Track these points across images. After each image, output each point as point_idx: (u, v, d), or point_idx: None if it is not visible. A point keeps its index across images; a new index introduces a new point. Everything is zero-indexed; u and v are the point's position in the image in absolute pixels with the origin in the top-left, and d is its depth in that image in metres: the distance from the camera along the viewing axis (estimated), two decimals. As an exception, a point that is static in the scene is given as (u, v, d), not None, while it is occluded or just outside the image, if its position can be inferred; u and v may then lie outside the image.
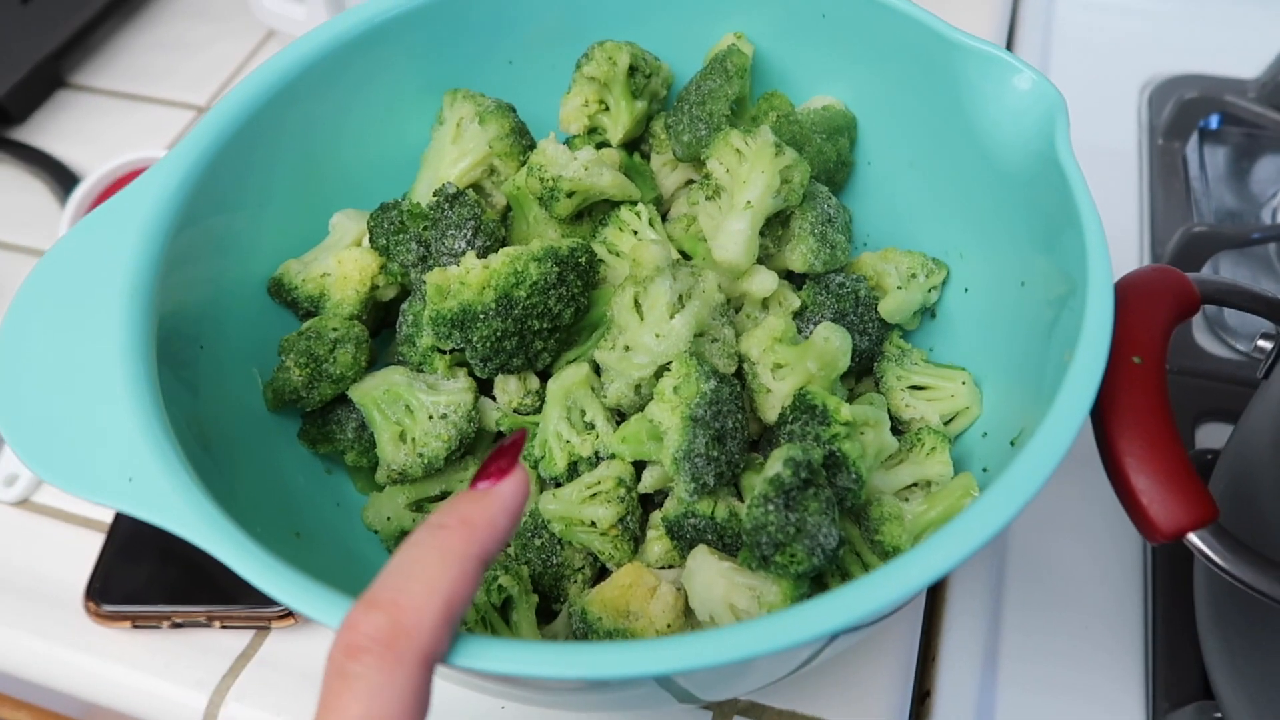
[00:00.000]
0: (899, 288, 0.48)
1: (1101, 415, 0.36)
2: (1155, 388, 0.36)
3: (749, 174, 0.46)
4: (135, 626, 0.51)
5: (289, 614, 0.50)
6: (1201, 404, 0.60)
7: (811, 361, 0.43)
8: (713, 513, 0.41)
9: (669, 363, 0.42)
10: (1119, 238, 0.71)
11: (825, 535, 0.37)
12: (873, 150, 0.54)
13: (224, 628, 0.51)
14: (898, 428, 0.48)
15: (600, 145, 0.54)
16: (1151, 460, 0.34)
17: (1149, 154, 0.76)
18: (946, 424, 0.47)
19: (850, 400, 0.47)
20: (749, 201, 0.46)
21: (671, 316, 0.42)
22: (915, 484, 0.44)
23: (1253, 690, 0.41)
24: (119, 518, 0.54)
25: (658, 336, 0.42)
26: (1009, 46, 0.84)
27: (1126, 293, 0.39)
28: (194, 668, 0.50)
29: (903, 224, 0.53)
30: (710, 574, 0.40)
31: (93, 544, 0.55)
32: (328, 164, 0.52)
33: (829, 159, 0.52)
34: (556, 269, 0.44)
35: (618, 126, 0.53)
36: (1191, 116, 0.76)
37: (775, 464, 0.38)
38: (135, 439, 0.35)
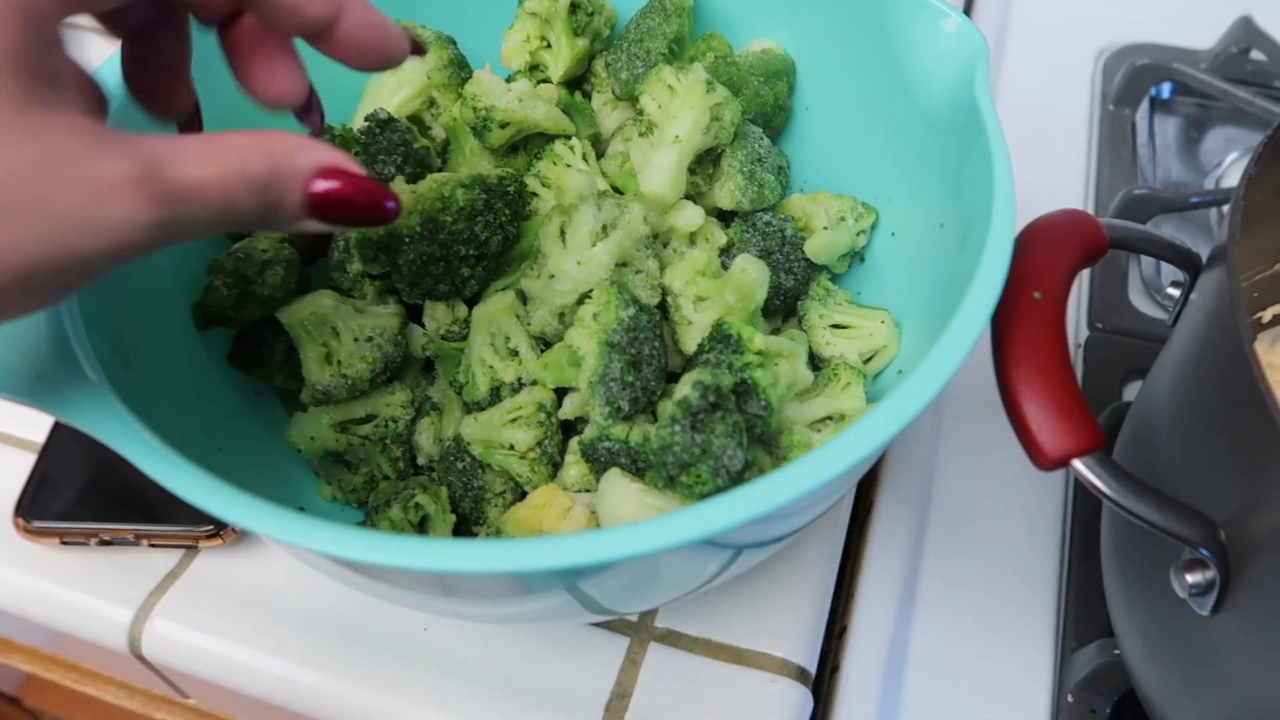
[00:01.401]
0: (825, 229, 0.49)
1: (999, 346, 0.36)
2: (1052, 322, 0.37)
3: (679, 110, 0.47)
4: (64, 543, 0.51)
5: (217, 534, 0.51)
6: (1131, 362, 0.62)
7: (730, 293, 0.44)
8: (627, 437, 0.42)
9: (591, 290, 0.43)
10: (1065, 200, 0.72)
11: (730, 457, 0.38)
12: (811, 96, 0.55)
13: (152, 546, 0.51)
14: (818, 364, 0.49)
15: (542, 82, 0.54)
16: (1042, 389, 0.35)
17: (1100, 120, 0.77)
18: (866, 362, 0.48)
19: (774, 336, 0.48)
20: (677, 136, 0.46)
21: (594, 245, 0.43)
22: (830, 417, 0.45)
23: (1143, 622, 0.42)
24: (51, 437, 0.54)
25: (579, 264, 0.43)
26: (967, 12, 0.84)
27: (1036, 232, 0.40)
28: (121, 584, 0.51)
29: (838, 169, 0.54)
30: (620, 494, 0.41)
31: (24, 463, 0.55)
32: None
33: (766, 102, 0.52)
34: (484, 196, 0.44)
35: (559, 63, 0.53)
36: (1142, 84, 0.77)
37: (684, 387, 0.39)
38: (44, 339, 0.35)
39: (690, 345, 0.45)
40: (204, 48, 0.39)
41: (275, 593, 0.50)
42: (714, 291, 0.44)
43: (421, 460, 0.48)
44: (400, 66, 0.52)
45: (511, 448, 0.44)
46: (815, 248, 0.49)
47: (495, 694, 0.47)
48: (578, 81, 0.56)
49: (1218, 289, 0.35)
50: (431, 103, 0.53)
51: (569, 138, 0.50)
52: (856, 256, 0.53)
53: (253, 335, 0.48)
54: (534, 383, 0.45)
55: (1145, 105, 0.77)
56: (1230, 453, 0.34)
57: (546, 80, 0.54)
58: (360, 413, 0.47)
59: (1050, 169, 0.74)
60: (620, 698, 0.47)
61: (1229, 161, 0.75)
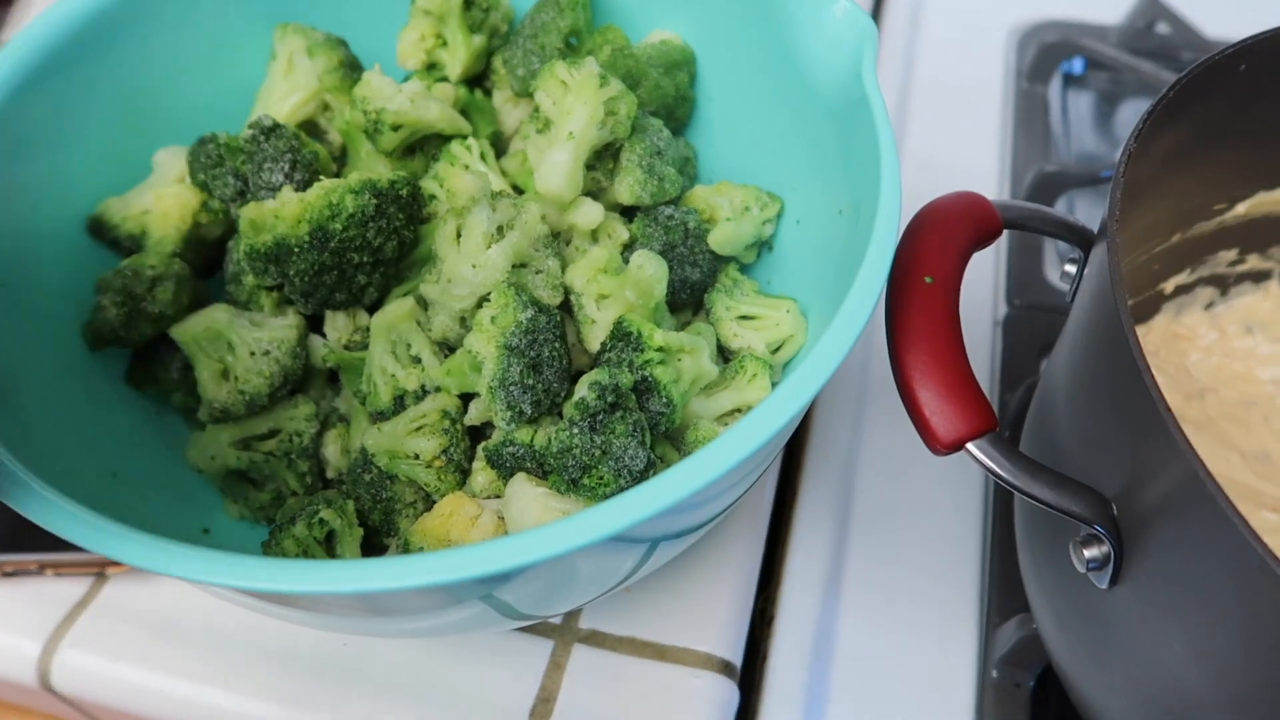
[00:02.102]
0: (729, 220, 0.49)
1: (892, 332, 0.37)
2: (944, 306, 0.37)
3: (573, 105, 0.46)
4: None
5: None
6: (1048, 337, 0.62)
7: (630, 290, 0.43)
8: (531, 440, 0.42)
9: (489, 294, 0.42)
10: (979, 178, 0.73)
11: (632, 457, 0.38)
12: (713, 86, 0.54)
13: (58, 575, 0.50)
14: (727, 356, 0.49)
15: (440, 81, 0.53)
16: (934, 374, 0.35)
17: (1013, 97, 0.78)
18: (775, 352, 0.48)
19: (683, 330, 0.48)
20: (571, 133, 0.46)
21: (489, 247, 0.42)
22: (738, 409, 0.45)
23: (1052, 597, 0.43)
24: None
25: (474, 267, 0.42)
26: (880, -11, 0.85)
27: (927, 217, 0.40)
28: (27, 615, 0.49)
29: (744, 158, 0.54)
30: (526, 500, 0.40)
31: None
32: (153, 100, 0.51)
33: (667, 93, 0.52)
34: (375, 201, 0.43)
35: (455, 61, 0.52)
36: (1053, 60, 0.78)
37: (582, 388, 0.39)
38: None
39: (595, 344, 0.44)
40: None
41: (189, 615, 0.49)
42: (615, 289, 0.44)
43: (330, 473, 0.48)
44: (292, 69, 0.51)
45: (417, 457, 0.43)
46: (719, 239, 0.48)
47: (419, 706, 0.46)
48: (479, 79, 0.55)
49: (1101, 265, 0.35)
50: (325, 106, 0.51)
51: (465, 137, 0.49)
52: (765, 246, 0.52)
53: (148, 353, 0.47)
54: (438, 389, 0.44)
55: (1058, 81, 0.78)
56: (1116, 428, 0.34)
57: (444, 79, 0.53)
58: (262, 428, 0.46)
59: (965, 148, 0.75)
60: (545, 702, 0.47)
61: None
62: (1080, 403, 0.38)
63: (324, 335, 0.47)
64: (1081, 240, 0.43)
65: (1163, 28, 0.79)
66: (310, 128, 0.52)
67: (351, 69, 0.51)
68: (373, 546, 0.45)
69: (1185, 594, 0.32)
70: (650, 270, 0.43)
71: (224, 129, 0.51)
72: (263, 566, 0.30)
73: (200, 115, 0.52)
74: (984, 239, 0.41)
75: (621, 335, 0.42)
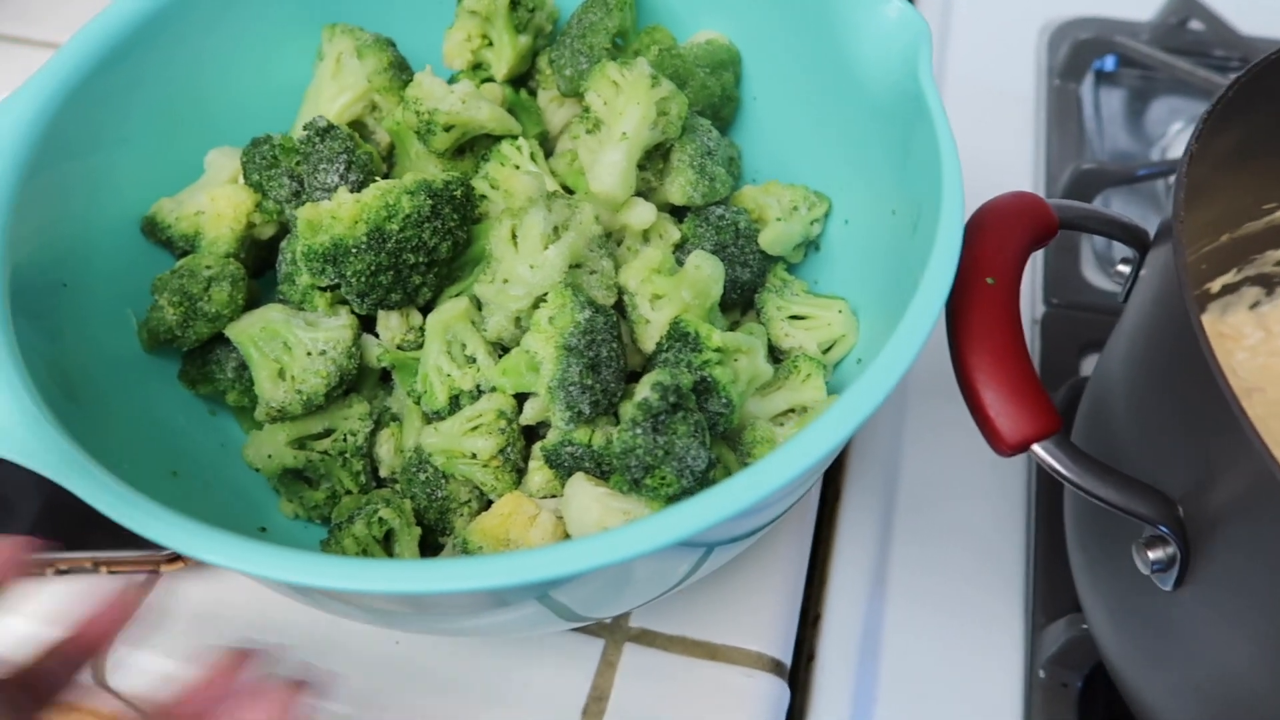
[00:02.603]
0: (779, 220, 0.49)
1: (954, 334, 0.37)
2: (1006, 306, 0.37)
3: (625, 106, 0.46)
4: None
5: (178, 557, 0.50)
6: (1087, 335, 0.63)
7: (686, 290, 0.43)
8: (590, 441, 0.42)
9: (545, 294, 0.42)
10: (1014, 176, 0.73)
11: (694, 457, 0.38)
12: (759, 85, 0.54)
13: (111, 573, 0.50)
14: (778, 356, 0.49)
15: (485, 81, 0.53)
16: (998, 375, 0.35)
17: (1046, 95, 0.78)
18: (826, 352, 0.48)
19: (733, 330, 0.48)
20: (624, 133, 0.46)
21: (545, 248, 0.42)
22: (792, 409, 0.45)
23: (1108, 598, 0.43)
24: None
25: (532, 268, 0.42)
26: (911, -12, 0.84)
27: (985, 217, 0.40)
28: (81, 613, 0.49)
29: (790, 158, 0.54)
30: (585, 499, 0.40)
31: None
32: (204, 100, 0.51)
33: (713, 93, 0.52)
34: (430, 202, 0.43)
35: (501, 61, 0.53)
36: (1086, 58, 0.78)
37: (644, 389, 0.39)
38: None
39: (649, 344, 0.44)
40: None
41: (240, 613, 0.49)
42: (670, 289, 0.44)
43: (384, 472, 0.48)
44: (341, 70, 0.51)
45: (474, 457, 0.43)
46: (769, 239, 0.49)
47: (471, 704, 0.46)
48: (523, 79, 0.56)
49: (1164, 266, 0.35)
50: (374, 107, 0.52)
51: (515, 138, 0.49)
52: (812, 246, 0.53)
53: (202, 353, 0.47)
54: (493, 389, 0.44)
55: (1090, 79, 0.78)
56: (1183, 428, 0.34)
57: (490, 79, 0.53)
58: (318, 428, 0.46)
59: (999, 146, 0.75)
60: (597, 700, 0.47)
61: (1174, 131, 0.76)
62: (1142, 403, 0.38)
63: (376, 335, 0.48)
64: (1136, 240, 0.43)
65: (1196, 24, 0.79)
66: (357, 128, 0.52)
67: (400, 70, 0.51)
68: (427, 545, 0.46)
69: (1254, 596, 0.32)
70: (708, 271, 0.43)
71: (272, 129, 0.52)
72: (335, 565, 0.30)
73: (248, 116, 0.52)
74: (1041, 239, 0.41)
75: (679, 335, 0.42)
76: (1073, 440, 0.46)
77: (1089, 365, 0.62)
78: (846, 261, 0.51)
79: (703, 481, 0.38)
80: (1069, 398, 0.57)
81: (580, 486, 0.41)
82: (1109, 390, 0.43)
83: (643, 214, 0.46)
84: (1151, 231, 0.42)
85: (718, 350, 0.41)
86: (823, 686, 0.49)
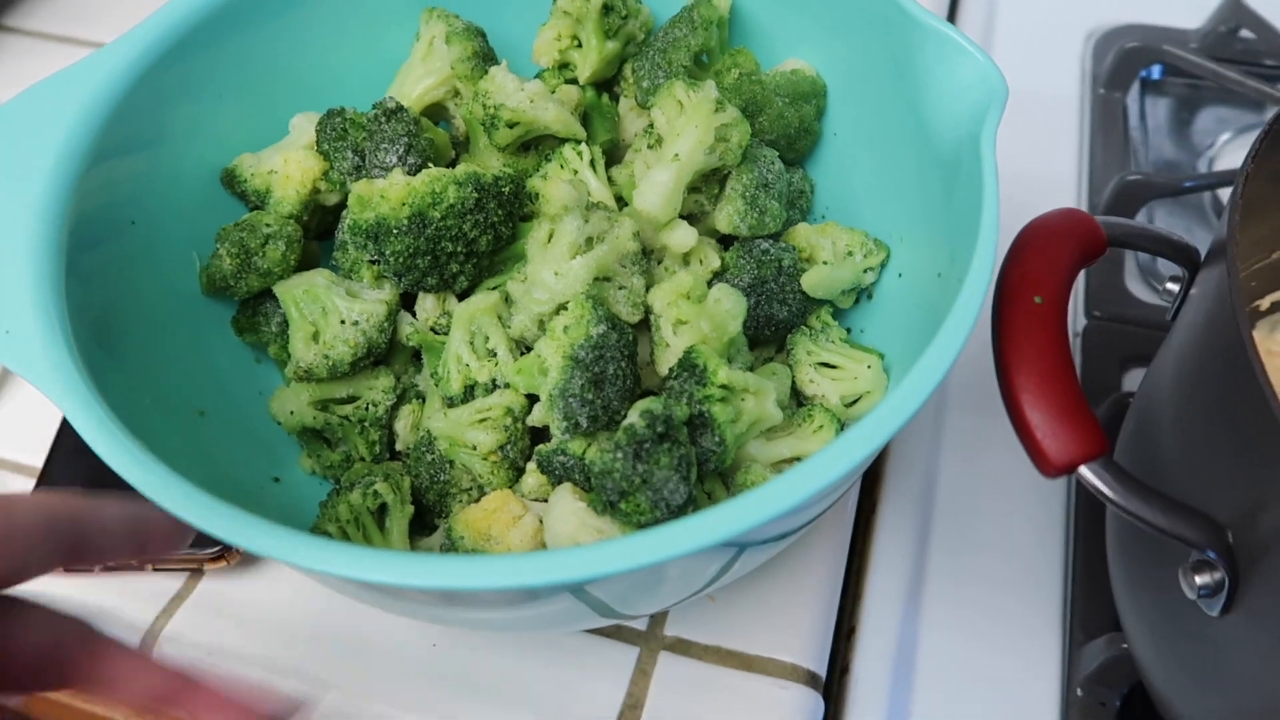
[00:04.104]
0: (826, 263, 0.47)
1: (1001, 353, 0.36)
2: (1053, 325, 0.36)
3: (684, 126, 0.46)
4: (66, 570, 0.50)
5: (221, 556, 0.50)
6: (1130, 349, 0.61)
7: (705, 321, 0.43)
8: (583, 453, 0.42)
9: (567, 302, 0.43)
10: (1057, 187, 0.70)
11: (671, 490, 0.38)
12: (840, 122, 0.53)
13: (156, 570, 0.51)
14: (801, 401, 0.48)
15: (569, 82, 0.54)
16: (1045, 395, 0.34)
17: (1090, 103, 0.75)
18: (850, 405, 0.47)
19: (755, 367, 0.47)
20: (677, 154, 0.45)
21: (573, 257, 0.43)
22: (797, 458, 0.44)
23: (1151, 620, 0.41)
24: (49, 462, 0.53)
25: (556, 275, 0.43)
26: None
27: (1033, 234, 0.39)
28: (126, 610, 0.50)
29: (859, 200, 0.52)
30: (565, 510, 0.41)
31: (24, 488, 0.55)
32: (303, 68, 0.53)
33: (789, 124, 0.51)
34: (476, 195, 0.44)
35: (586, 64, 0.53)
36: (1132, 66, 0.75)
37: (633, 414, 0.39)
38: (22, 296, 0.37)
39: (665, 368, 0.44)
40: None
41: (281, 613, 0.50)
42: (694, 316, 0.44)
43: (399, 446, 0.49)
44: (431, 53, 0.53)
45: (475, 448, 0.44)
46: (812, 282, 0.47)
47: (507, 707, 0.47)
48: (609, 84, 0.56)
49: (1217, 286, 0.34)
50: (456, 93, 0.53)
51: (579, 142, 0.50)
52: (864, 293, 0.51)
53: (255, 304, 0.50)
54: (507, 386, 0.45)
55: (1136, 88, 0.75)
56: (1233, 452, 0.33)
57: (573, 80, 0.54)
58: (342, 393, 0.48)
59: (1042, 156, 0.72)
60: (632, 709, 0.47)
61: (1221, 142, 0.73)
62: (1192, 426, 0.37)
63: (414, 314, 0.49)
64: (1187, 259, 0.42)
65: (1246, 33, 0.75)
66: (440, 111, 0.54)
67: (484, 59, 0.52)
68: (425, 525, 0.47)
69: None
70: (727, 305, 0.42)
71: (367, 100, 0.54)
72: (307, 546, 0.31)
73: (344, 85, 0.54)
74: (1090, 257, 0.40)
75: (688, 365, 0.41)
76: (1116, 459, 0.45)
77: (1131, 379, 0.60)
78: (895, 316, 0.49)
79: (677, 515, 0.38)
80: (1111, 413, 0.56)
81: (564, 497, 0.41)
82: (1156, 410, 0.41)
83: (683, 237, 0.46)
84: (1202, 250, 0.40)
85: (723, 387, 0.41)
86: (857, 700, 0.48)
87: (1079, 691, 0.47)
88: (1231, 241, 0.35)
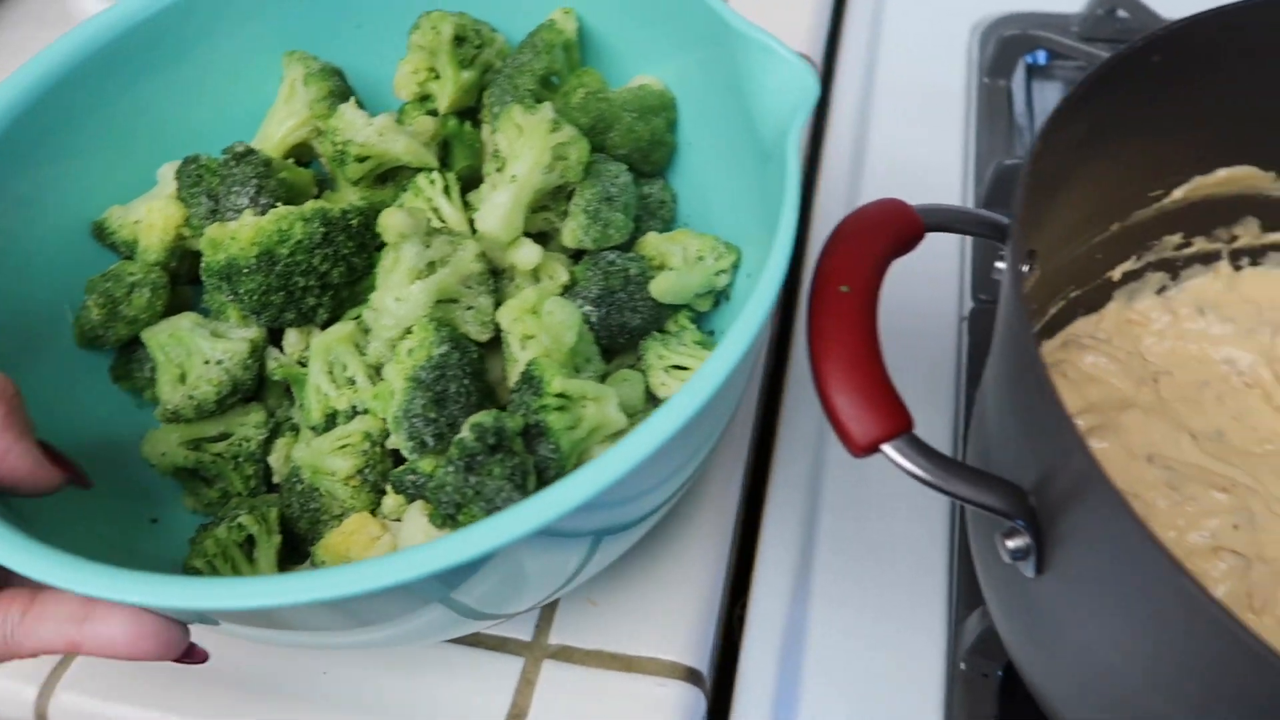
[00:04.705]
0: (672, 270, 0.49)
1: (810, 343, 0.37)
2: (859, 313, 0.37)
3: (521, 149, 0.47)
4: None
5: None
6: None
7: (545, 334, 0.44)
8: (433, 470, 0.43)
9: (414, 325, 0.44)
10: (944, 174, 0.72)
11: (505, 499, 0.39)
12: (693, 132, 0.54)
13: None
14: (658, 404, 0.49)
15: (431, 112, 0.55)
16: (849, 380, 0.35)
17: (976, 92, 0.76)
18: (705, 405, 0.48)
19: (609, 375, 0.49)
20: (514, 175, 0.47)
21: (413, 282, 0.44)
22: (647, 460, 0.45)
23: (995, 587, 0.42)
24: None
25: (398, 300, 0.44)
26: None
27: (847, 226, 0.40)
28: (23, 660, 0.52)
29: (714, 205, 0.54)
30: (414, 529, 0.42)
31: None
32: (171, 117, 0.55)
33: (640, 137, 0.52)
34: (324, 229, 0.46)
35: (444, 95, 0.55)
36: (1013, 53, 0.76)
37: (465, 428, 0.40)
38: None
39: (513, 382, 0.45)
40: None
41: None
42: (539, 330, 0.45)
43: (276, 479, 0.50)
44: (293, 95, 0.54)
45: (334, 474, 0.45)
46: (661, 288, 0.49)
47: None
48: (474, 111, 0.58)
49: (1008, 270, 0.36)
50: (320, 132, 0.55)
51: (432, 171, 0.51)
52: (723, 296, 0.52)
53: (129, 351, 0.51)
54: (366, 412, 0.46)
55: (1021, 74, 0.77)
56: (1028, 422, 0.35)
57: (433, 112, 0.55)
58: (214, 431, 0.49)
59: (930, 147, 0.74)
60: (516, 718, 0.48)
61: None
62: (1001, 399, 0.38)
63: (282, 350, 0.50)
64: (1002, 237, 0.42)
65: (1122, 13, 0.77)
66: (307, 151, 0.55)
67: (340, 98, 0.54)
68: (292, 553, 0.48)
69: (1098, 581, 0.32)
70: (560, 316, 0.44)
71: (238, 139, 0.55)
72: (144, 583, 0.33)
73: (216, 131, 0.56)
74: (905, 244, 0.41)
75: (527, 378, 0.43)
76: (968, 439, 0.46)
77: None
78: (748, 315, 0.50)
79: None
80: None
81: (414, 514, 0.42)
82: (983, 390, 0.43)
83: (527, 255, 0.47)
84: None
85: (560, 396, 0.42)
86: (745, 690, 0.49)
87: (962, 665, 0.48)
88: (1014, 222, 0.36)
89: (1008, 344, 0.36)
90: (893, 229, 0.40)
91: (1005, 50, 0.76)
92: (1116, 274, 0.51)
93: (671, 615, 0.50)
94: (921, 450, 0.35)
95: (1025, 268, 0.45)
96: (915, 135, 0.74)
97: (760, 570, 0.53)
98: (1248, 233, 0.50)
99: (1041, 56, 0.78)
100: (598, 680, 0.48)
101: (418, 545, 0.32)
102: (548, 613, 0.51)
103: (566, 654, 0.50)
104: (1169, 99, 0.43)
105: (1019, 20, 0.79)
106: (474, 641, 0.50)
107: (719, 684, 0.51)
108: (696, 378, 0.34)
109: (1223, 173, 0.47)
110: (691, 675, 0.49)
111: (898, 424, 0.35)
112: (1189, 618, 0.28)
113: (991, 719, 0.46)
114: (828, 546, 0.54)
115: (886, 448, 0.35)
